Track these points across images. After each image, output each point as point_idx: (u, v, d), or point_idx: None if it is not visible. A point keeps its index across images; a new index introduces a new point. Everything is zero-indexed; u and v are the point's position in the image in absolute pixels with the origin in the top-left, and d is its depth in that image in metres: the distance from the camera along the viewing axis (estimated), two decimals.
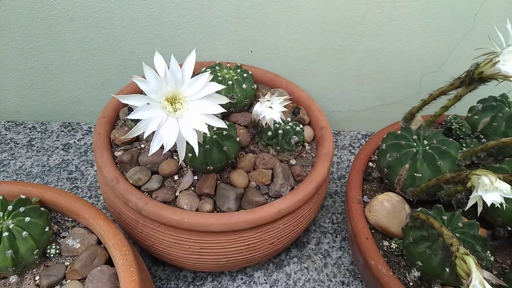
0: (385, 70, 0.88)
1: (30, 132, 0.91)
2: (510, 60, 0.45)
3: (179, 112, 0.44)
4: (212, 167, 0.61)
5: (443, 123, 0.74)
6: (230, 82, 0.70)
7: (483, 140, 0.67)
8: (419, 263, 0.52)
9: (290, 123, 0.67)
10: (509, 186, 0.45)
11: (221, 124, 0.46)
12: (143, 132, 0.43)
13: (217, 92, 0.46)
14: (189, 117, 0.45)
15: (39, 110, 0.94)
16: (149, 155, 0.46)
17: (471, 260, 0.42)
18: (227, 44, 0.83)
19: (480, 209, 0.47)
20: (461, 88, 0.55)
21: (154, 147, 0.43)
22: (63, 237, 0.56)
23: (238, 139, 0.63)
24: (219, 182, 0.62)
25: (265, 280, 0.69)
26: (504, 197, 0.45)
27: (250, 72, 0.74)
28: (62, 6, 0.77)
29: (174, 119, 0.44)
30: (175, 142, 0.44)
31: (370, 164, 0.70)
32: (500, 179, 0.45)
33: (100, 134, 0.65)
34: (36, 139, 0.90)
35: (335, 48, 0.85)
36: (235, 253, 0.60)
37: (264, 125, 0.61)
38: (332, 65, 0.88)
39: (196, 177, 0.63)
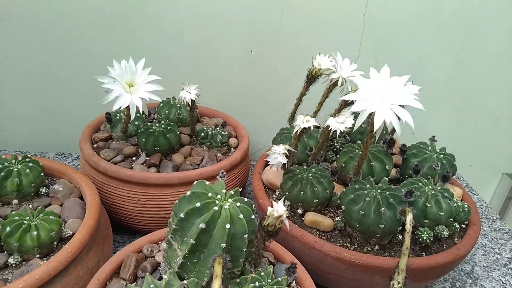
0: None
1: None
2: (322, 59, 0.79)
3: (132, 89, 0.76)
4: (158, 149, 0.90)
5: None
6: (178, 105, 1.03)
7: (347, 137, 0.98)
8: (287, 194, 0.79)
9: (217, 129, 0.99)
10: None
11: (157, 98, 0.78)
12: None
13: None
14: (137, 93, 0.77)
15: (41, 143, 1.24)
16: (113, 109, 0.75)
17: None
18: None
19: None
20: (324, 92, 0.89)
21: (115, 107, 0.74)
22: (52, 185, 0.82)
23: (178, 132, 0.93)
24: (163, 159, 0.91)
25: None
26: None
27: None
28: (69, 62, 1.14)
29: (129, 94, 0.76)
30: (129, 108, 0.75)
31: None
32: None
33: (85, 134, 0.95)
34: None
35: (259, 95, 1.21)
36: (172, 206, 0.85)
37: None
38: (258, 106, 1.23)
39: (147, 158, 0.91)
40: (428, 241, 0.72)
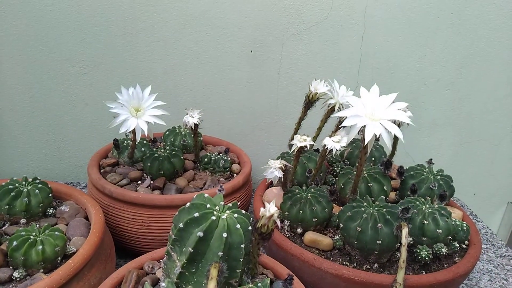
0: None
1: None
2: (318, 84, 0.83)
3: (138, 113, 0.81)
4: (163, 172, 0.93)
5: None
6: (183, 133, 1.07)
7: (347, 162, 1.00)
8: (287, 213, 0.80)
9: (220, 155, 1.02)
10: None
11: (162, 122, 0.82)
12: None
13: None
14: (143, 117, 0.81)
15: (52, 173, 1.28)
16: (120, 132, 0.80)
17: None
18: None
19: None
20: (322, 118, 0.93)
21: (122, 130, 0.79)
22: (59, 207, 0.84)
23: (182, 157, 0.97)
24: (167, 183, 0.93)
25: None
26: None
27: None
28: (80, 95, 1.20)
29: (135, 118, 0.81)
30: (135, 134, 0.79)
31: None
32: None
33: (93, 160, 0.99)
34: None
35: (262, 124, 1.26)
36: None
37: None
38: (261, 135, 1.27)
39: (152, 182, 0.94)
40: (427, 258, 0.72)
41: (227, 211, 0.58)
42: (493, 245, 1.11)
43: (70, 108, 1.21)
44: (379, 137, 1.03)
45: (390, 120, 0.61)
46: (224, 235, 0.55)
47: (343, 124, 0.62)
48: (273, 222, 0.49)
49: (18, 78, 1.16)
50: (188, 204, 0.58)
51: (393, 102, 0.64)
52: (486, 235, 1.16)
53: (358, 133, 0.64)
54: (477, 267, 1.00)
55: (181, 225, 0.56)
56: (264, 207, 0.50)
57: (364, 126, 0.61)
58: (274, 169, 0.68)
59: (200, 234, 0.54)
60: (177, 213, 0.59)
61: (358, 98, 0.65)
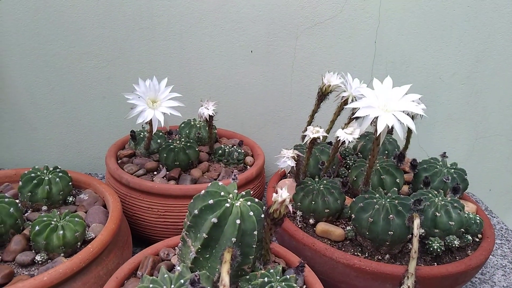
0: None
1: None
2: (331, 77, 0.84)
3: (155, 105, 0.83)
4: (178, 163, 0.95)
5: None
6: (198, 126, 1.09)
7: (360, 155, 1.00)
8: (299, 204, 0.81)
9: (234, 147, 1.03)
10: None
11: (178, 113, 0.84)
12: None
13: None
14: (160, 109, 0.83)
15: (71, 164, 1.31)
16: (137, 122, 0.82)
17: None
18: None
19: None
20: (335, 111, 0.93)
21: (139, 120, 0.81)
22: (78, 195, 0.87)
23: (197, 148, 0.99)
24: (182, 173, 0.95)
25: None
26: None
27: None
28: (98, 88, 1.23)
29: (152, 109, 0.83)
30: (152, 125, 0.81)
31: None
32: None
33: (111, 151, 1.02)
34: None
35: (275, 118, 1.27)
36: None
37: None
38: (275, 129, 1.28)
39: (168, 172, 0.96)
40: (439, 250, 0.72)
41: (241, 199, 0.60)
42: (508, 241, 1.10)
43: (88, 101, 1.24)
44: (392, 130, 1.03)
45: (403, 112, 0.62)
46: (238, 221, 0.56)
47: (355, 115, 0.63)
48: (285, 207, 0.50)
49: (38, 72, 1.19)
50: (203, 191, 0.60)
51: (406, 94, 0.64)
52: (501, 230, 1.15)
53: (371, 124, 0.65)
54: (491, 262, 1.00)
55: (196, 211, 0.58)
56: (277, 193, 0.51)
57: (376, 117, 0.61)
58: (287, 159, 0.70)
59: (214, 220, 0.56)
60: (192, 201, 0.61)
61: (371, 90, 0.65)
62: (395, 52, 1.21)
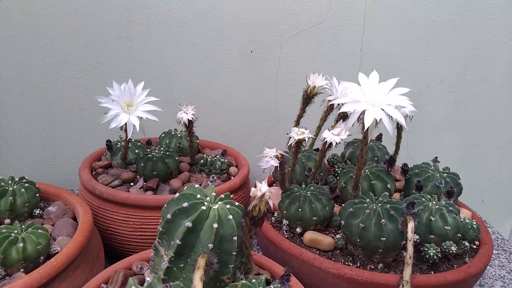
0: None
1: None
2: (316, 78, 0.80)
3: (130, 109, 0.78)
4: (156, 173, 0.89)
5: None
6: (179, 135, 1.04)
7: (348, 162, 0.96)
8: (285, 212, 0.76)
9: (217, 156, 0.98)
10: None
11: (154, 118, 0.79)
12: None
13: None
14: (136, 113, 0.78)
15: (45, 180, 1.21)
16: (109, 128, 0.76)
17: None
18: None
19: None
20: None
21: (112, 125, 0.75)
22: (47, 207, 0.80)
23: (177, 158, 0.93)
24: (161, 184, 0.89)
25: None
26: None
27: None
28: (75, 99, 1.18)
29: (127, 114, 0.78)
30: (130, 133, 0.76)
31: None
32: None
33: (85, 162, 0.96)
34: None
35: (261, 129, 1.22)
36: None
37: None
38: (260, 140, 1.23)
39: (145, 183, 0.90)
40: (435, 257, 0.67)
41: (219, 202, 0.55)
42: (505, 251, 1.05)
43: (64, 113, 1.19)
44: (381, 136, 0.99)
45: (392, 106, 0.58)
46: (215, 225, 0.51)
47: (341, 110, 0.59)
48: (265, 203, 0.45)
49: (11, 82, 1.14)
50: (177, 194, 0.55)
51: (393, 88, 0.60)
52: (497, 240, 1.10)
53: (357, 121, 0.61)
54: (489, 272, 0.95)
55: (169, 216, 0.53)
56: (255, 187, 0.46)
57: (363, 112, 0.57)
58: (270, 158, 0.65)
59: (189, 224, 0.50)
60: (165, 205, 0.55)
61: (357, 85, 0.62)
62: (381, 59, 1.19)
